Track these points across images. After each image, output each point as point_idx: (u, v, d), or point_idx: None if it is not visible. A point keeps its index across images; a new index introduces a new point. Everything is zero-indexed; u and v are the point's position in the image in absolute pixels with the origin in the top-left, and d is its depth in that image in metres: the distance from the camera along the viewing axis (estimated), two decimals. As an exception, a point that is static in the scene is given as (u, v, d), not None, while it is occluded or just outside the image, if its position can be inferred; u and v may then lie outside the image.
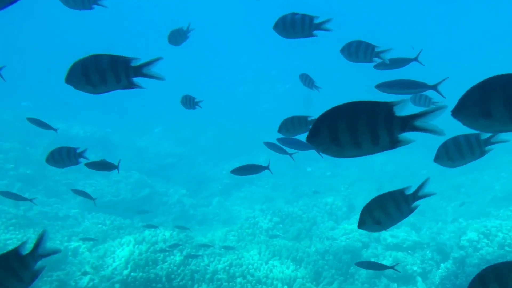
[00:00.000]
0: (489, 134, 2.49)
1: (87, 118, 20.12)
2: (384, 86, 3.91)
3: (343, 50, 3.92)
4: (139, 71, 2.48)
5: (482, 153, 2.56)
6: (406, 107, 1.73)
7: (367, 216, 2.53)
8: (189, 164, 16.97)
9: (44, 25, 41.92)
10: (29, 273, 1.92)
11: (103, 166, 4.45)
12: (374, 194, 2.72)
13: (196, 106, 5.67)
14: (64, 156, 3.53)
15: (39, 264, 1.99)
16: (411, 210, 2.50)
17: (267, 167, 5.11)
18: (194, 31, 6.20)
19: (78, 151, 3.62)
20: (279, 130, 4.06)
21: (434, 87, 3.91)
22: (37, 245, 1.96)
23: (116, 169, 4.70)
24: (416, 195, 2.46)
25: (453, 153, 2.54)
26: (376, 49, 3.76)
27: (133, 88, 2.52)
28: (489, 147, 2.54)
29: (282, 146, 4.96)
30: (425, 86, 3.86)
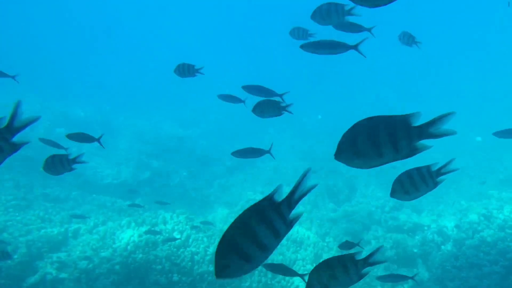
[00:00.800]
0: (439, 166, 2.72)
1: (88, 99, 20.03)
2: (309, 47, 3.98)
3: (314, 16, 3.98)
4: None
5: (435, 184, 2.72)
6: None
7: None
8: (191, 147, 16.92)
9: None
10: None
11: (84, 138, 4.39)
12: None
13: (197, 74, 5.44)
14: (57, 164, 3.48)
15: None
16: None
17: (268, 151, 5.06)
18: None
19: (70, 157, 3.55)
20: (253, 110, 4.18)
21: (355, 47, 4.05)
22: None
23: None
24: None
25: (408, 187, 2.76)
26: (346, 8, 3.94)
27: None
28: (441, 177, 2.68)
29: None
30: (346, 47, 3.98)
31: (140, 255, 6.66)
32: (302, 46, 4.00)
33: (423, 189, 2.81)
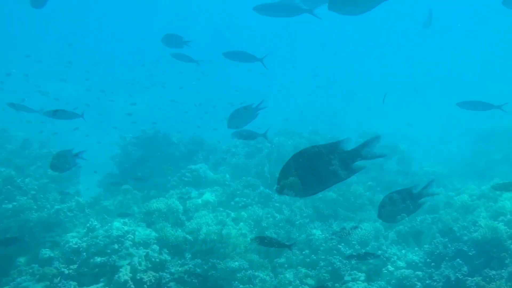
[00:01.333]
0: (419, 189, 2.91)
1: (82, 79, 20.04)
2: (263, 9, 4.11)
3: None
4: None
5: (417, 206, 2.92)
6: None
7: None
8: (184, 128, 17.16)
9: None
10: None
11: (68, 114, 4.63)
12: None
13: (184, 45, 5.62)
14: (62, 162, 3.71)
15: None
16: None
17: (263, 134, 5.33)
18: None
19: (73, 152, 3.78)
20: (229, 126, 4.27)
21: (310, 11, 4.17)
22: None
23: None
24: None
25: (392, 211, 2.97)
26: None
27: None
28: (422, 199, 2.89)
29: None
30: (300, 9, 4.10)
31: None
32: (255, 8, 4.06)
33: (406, 211, 2.96)
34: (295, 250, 9.09)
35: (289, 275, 8.07)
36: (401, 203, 11.96)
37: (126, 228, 7.54)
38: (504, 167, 20.30)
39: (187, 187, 11.29)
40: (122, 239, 7.08)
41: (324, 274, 8.12)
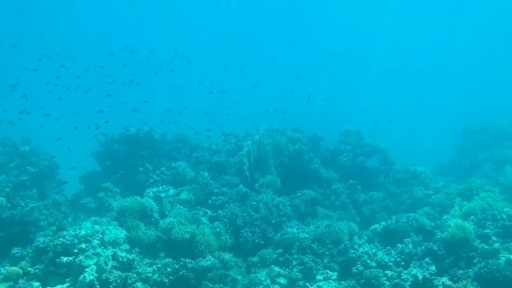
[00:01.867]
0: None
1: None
2: None
3: None
4: None
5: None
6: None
7: None
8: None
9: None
10: None
11: None
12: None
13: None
14: None
15: None
16: None
17: None
18: None
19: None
20: None
21: None
22: None
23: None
24: None
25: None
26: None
27: None
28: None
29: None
30: None
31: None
32: None
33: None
34: (269, 249, 9.10)
35: (261, 274, 8.06)
36: (381, 201, 11.81)
37: (96, 227, 7.48)
38: (488, 165, 20.55)
39: (165, 185, 11.22)
40: (91, 239, 7.01)
41: (296, 273, 8.12)
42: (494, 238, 7.81)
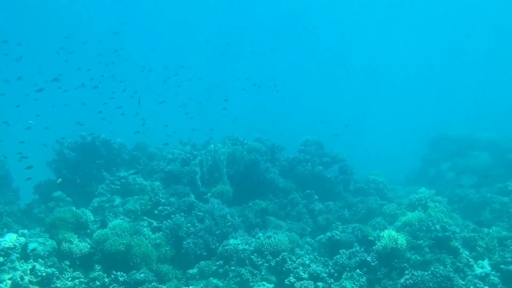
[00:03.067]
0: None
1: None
2: None
3: None
4: None
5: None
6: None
7: None
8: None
9: None
10: None
11: None
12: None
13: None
14: None
15: None
16: None
17: None
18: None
19: None
20: None
21: None
22: None
23: None
24: None
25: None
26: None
27: None
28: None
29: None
30: None
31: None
32: None
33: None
34: (209, 260, 8.96)
35: (195, 287, 7.91)
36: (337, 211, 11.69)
37: (21, 239, 7.22)
38: (451, 175, 20.92)
39: (114, 195, 11.00)
40: (10, 252, 6.76)
41: (232, 286, 8.00)
42: (426, 249, 7.85)
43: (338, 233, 9.78)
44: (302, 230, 11.18)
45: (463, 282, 6.83)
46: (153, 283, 7.69)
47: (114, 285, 7.53)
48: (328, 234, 9.86)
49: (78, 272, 7.59)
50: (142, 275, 7.78)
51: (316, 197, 13.81)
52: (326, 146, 15.99)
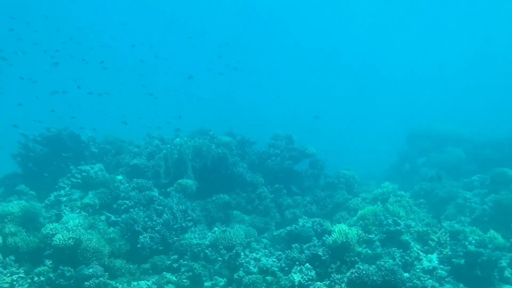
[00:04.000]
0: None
1: None
2: None
3: None
4: None
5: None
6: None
7: None
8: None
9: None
10: None
11: None
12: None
13: None
14: None
15: None
16: None
17: None
18: None
19: None
20: None
21: None
22: None
23: None
24: None
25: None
26: None
27: None
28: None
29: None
30: None
31: None
32: None
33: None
34: (163, 255, 8.85)
35: (143, 282, 7.80)
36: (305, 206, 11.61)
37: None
38: (425, 170, 21.11)
39: (73, 189, 10.78)
40: None
41: (184, 280, 7.91)
42: (377, 243, 7.87)
43: (298, 227, 9.75)
44: (265, 225, 11.15)
45: (407, 275, 6.86)
46: (100, 278, 7.54)
47: (60, 280, 7.38)
48: (288, 228, 9.83)
49: (21, 268, 7.42)
50: (90, 270, 7.63)
51: (285, 191, 13.79)
52: (313, 142, 16.04)
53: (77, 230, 8.29)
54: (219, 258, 8.38)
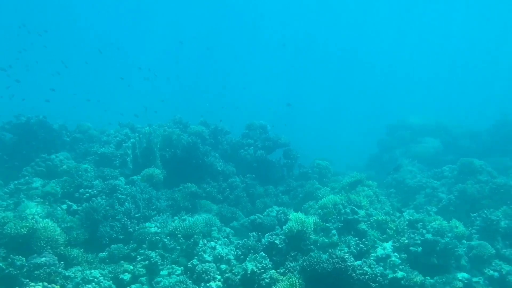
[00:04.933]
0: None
1: None
2: None
3: None
4: None
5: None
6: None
7: None
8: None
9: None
10: None
11: None
12: None
13: None
14: None
15: None
16: None
17: None
18: None
19: None
20: None
21: None
22: None
23: None
24: None
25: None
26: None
27: None
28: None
29: None
30: None
31: None
32: None
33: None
34: (120, 244, 8.74)
35: (98, 271, 7.69)
36: (276, 195, 11.65)
37: None
38: (404, 160, 21.26)
39: (35, 177, 10.57)
40: None
41: (140, 269, 7.82)
42: (334, 231, 7.86)
43: (262, 216, 9.72)
44: (232, 214, 11.09)
45: (358, 263, 6.86)
46: (52, 267, 7.42)
47: (10, 269, 7.23)
48: (252, 217, 9.79)
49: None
50: (43, 259, 7.49)
51: (257, 181, 13.74)
52: (294, 136, 16.03)
53: (32, 219, 8.13)
54: (177, 247, 8.30)
